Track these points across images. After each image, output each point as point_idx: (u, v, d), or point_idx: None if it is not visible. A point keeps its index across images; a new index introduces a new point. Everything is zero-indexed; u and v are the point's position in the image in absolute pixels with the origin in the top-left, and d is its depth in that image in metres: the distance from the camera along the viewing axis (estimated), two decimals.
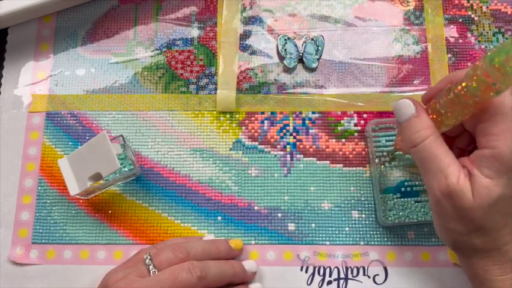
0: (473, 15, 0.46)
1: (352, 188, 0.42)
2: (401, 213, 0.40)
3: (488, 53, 0.27)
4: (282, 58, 0.45)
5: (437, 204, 0.32)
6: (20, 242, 0.41)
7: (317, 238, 0.41)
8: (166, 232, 0.41)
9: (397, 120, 0.33)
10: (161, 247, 0.37)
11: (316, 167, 0.42)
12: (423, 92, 0.44)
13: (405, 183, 0.41)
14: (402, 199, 0.40)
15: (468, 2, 0.47)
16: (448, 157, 0.31)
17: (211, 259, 0.37)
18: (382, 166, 0.41)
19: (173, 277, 0.34)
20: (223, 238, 0.41)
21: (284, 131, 0.43)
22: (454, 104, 0.31)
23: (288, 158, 0.43)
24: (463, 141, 0.36)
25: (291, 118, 0.44)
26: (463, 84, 0.29)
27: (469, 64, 0.45)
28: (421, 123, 0.32)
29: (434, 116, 0.33)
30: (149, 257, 0.36)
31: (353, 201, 0.42)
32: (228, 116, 0.44)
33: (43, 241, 0.41)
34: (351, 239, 0.41)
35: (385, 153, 0.41)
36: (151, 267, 0.35)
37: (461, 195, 0.30)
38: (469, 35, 0.46)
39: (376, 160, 0.41)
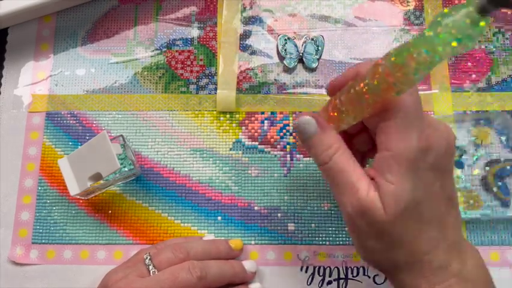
0: None
1: None
2: None
3: (391, 50, 0.26)
4: (282, 58, 0.45)
5: (351, 223, 0.29)
6: (20, 242, 0.41)
7: (317, 238, 0.41)
8: (166, 232, 0.41)
9: (300, 139, 0.31)
10: (161, 247, 0.37)
11: (316, 167, 0.42)
12: (423, 92, 0.44)
13: None
14: None
15: None
16: (357, 170, 0.29)
17: (211, 259, 0.37)
18: None
19: (173, 277, 0.34)
20: (223, 238, 0.41)
21: (284, 131, 0.43)
22: (354, 102, 0.29)
23: (288, 158, 0.43)
24: (361, 141, 0.34)
25: (291, 118, 0.44)
26: (366, 81, 0.28)
27: (469, 64, 0.45)
28: (327, 140, 0.29)
29: (335, 114, 0.31)
30: (149, 257, 0.36)
31: None
32: (228, 116, 0.44)
33: (43, 241, 0.41)
34: (351, 239, 0.41)
35: None
36: (151, 267, 0.35)
37: (373, 209, 0.28)
38: None
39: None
